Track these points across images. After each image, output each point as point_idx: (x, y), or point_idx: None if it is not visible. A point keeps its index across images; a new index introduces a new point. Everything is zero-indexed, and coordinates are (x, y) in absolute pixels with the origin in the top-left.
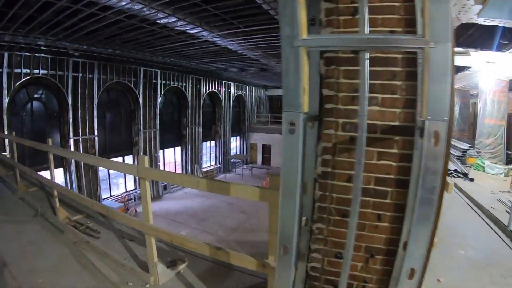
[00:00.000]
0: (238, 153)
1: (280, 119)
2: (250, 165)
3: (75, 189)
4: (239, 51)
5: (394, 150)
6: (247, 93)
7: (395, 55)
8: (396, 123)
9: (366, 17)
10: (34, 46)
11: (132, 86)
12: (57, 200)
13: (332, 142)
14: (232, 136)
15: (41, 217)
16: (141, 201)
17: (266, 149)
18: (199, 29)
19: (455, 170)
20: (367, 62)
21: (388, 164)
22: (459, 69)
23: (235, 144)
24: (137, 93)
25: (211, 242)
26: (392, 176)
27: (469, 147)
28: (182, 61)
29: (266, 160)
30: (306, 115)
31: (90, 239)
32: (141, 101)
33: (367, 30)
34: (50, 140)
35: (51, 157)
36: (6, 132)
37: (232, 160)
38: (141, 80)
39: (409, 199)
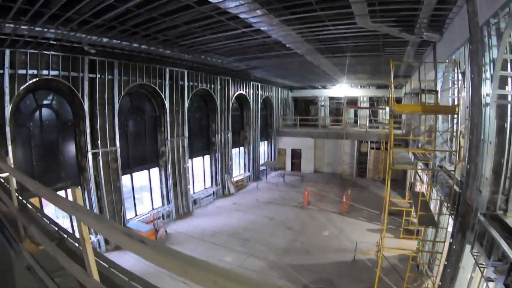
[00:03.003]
0: (266, 159)
1: (309, 121)
2: (281, 171)
3: (95, 210)
4: (287, 45)
5: None
6: (274, 94)
7: None
8: None
9: None
10: (41, 40)
11: (157, 88)
12: None
13: None
14: (260, 141)
15: None
16: (169, 219)
17: (296, 154)
18: (258, 12)
19: None
20: None
21: None
22: None
23: (262, 149)
24: (163, 97)
25: (263, 269)
26: None
27: None
28: (213, 59)
29: (295, 166)
30: None
31: None
32: (167, 105)
33: None
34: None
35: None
36: (9, 148)
37: (262, 167)
38: (167, 82)
39: None
